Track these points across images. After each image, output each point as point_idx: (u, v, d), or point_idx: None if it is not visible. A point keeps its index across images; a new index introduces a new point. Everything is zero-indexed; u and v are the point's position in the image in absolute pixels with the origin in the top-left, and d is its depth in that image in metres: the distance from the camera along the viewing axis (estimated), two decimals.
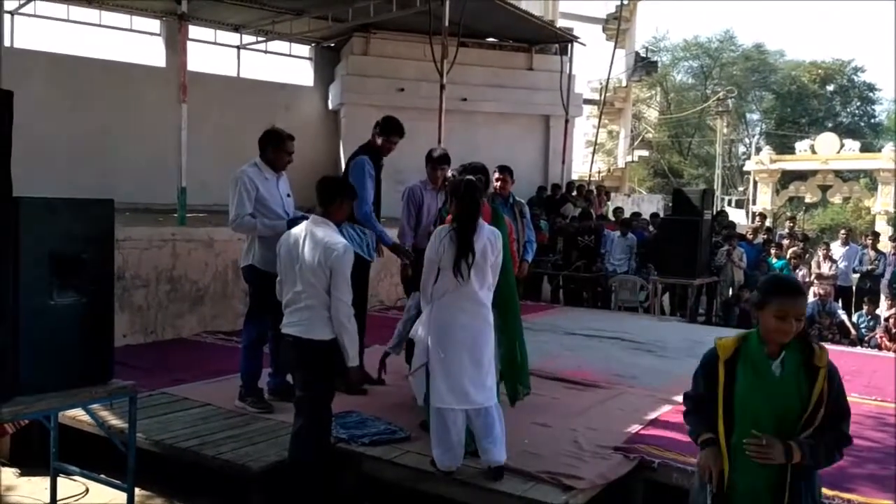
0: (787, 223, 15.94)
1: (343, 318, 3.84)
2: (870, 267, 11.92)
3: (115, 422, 4.51)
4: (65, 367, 3.58)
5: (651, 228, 12.76)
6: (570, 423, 5.05)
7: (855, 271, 12.17)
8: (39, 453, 4.65)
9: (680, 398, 5.71)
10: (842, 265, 12.01)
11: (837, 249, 12.44)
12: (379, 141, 5.60)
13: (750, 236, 12.49)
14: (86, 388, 3.68)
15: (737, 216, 22.62)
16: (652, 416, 5.32)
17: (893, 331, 10.28)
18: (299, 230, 3.99)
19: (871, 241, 12.42)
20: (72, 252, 3.52)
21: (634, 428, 4.98)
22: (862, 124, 41.43)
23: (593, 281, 12.03)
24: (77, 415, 4.46)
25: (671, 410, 5.50)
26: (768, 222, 16.21)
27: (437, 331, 4.04)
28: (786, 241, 12.78)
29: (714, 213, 13.15)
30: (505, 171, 6.17)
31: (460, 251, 3.95)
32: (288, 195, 5.21)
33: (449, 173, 5.54)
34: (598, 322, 9.48)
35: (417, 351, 4.20)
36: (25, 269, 3.38)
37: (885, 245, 13.47)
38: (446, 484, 4.05)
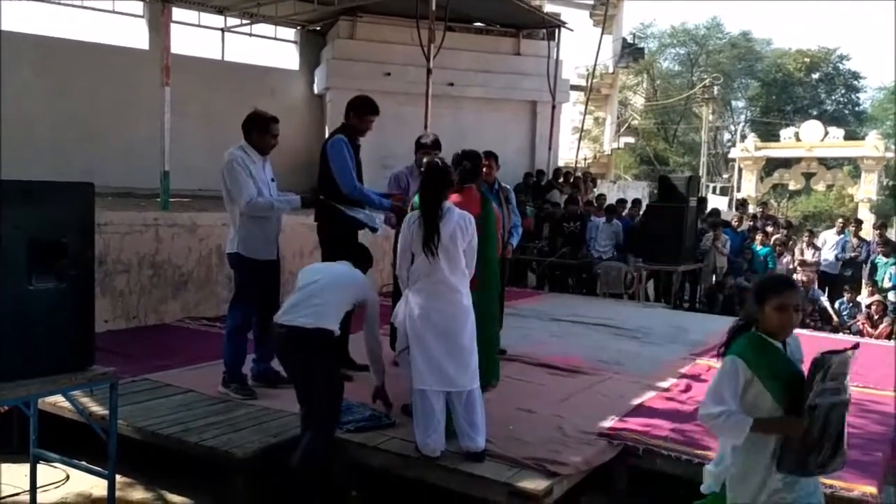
0: (758, 208, 15.98)
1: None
2: (852, 254, 12.01)
3: (95, 408, 4.47)
4: (44, 353, 3.52)
5: (632, 216, 12.77)
6: (555, 410, 5.06)
7: (837, 258, 12.24)
8: (19, 440, 4.60)
9: (665, 384, 5.83)
10: (831, 253, 12.07)
11: (831, 237, 12.50)
12: (355, 121, 5.53)
13: (735, 223, 12.54)
14: (66, 374, 3.62)
15: (720, 203, 22.72)
16: (636, 402, 5.34)
17: (875, 317, 10.38)
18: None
19: (853, 229, 12.50)
20: (51, 236, 3.45)
21: (619, 414, 4.99)
22: (846, 112, 41.60)
23: (579, 267, 12.05)
24: (57, 401, 4.41)
25: (655, 397, 5.54)
26: (752, 209, 16.22)
27: (412, 316, 4.10)
28: (770, 228, 12.84)
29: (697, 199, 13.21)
30: (490, 156, 6.15)
31: (427, 233, 4.02)
32: (272, 179, 5.16)
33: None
34: (584, 308, 9.50)
35: (399, 335, 4.26)
36: (3, 254, 3.31)
37: (867, 233, 13.58)
38: (432, 470, 4.05)
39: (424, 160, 4.46)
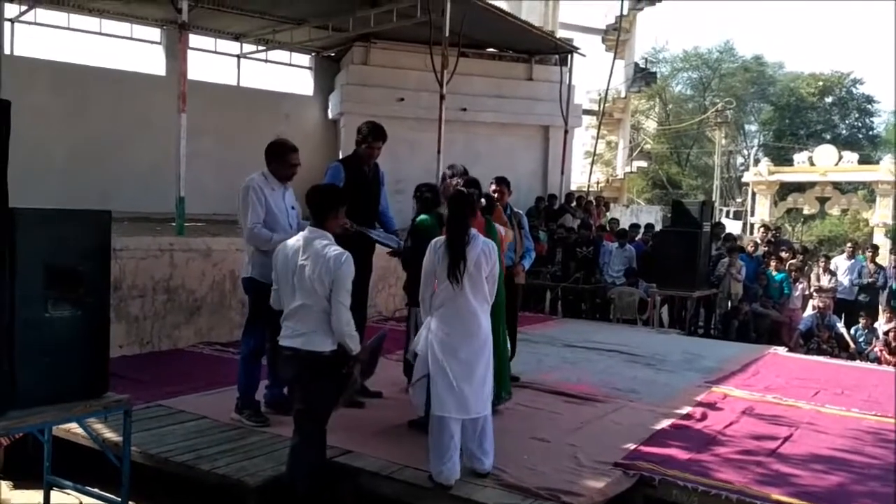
0: (760, 230, 15.79)
1: (343, 324, 3.84)
2: (870, 280, 11.90)
3: (109, 435, 4.47)
4: (60, 381, 3.54)
5: (645, 241, 12.72)
6: (569, 438, 5.01)
7: (853, 284, 12.13)
8: (33, 466, 4.61)
9: (681, 412, 5.77)
10: (845, 279, 11.96)
11: (842, 262, 12.40)
12: (362, 148, 5.56)
13: (751, 248, 12.48)
14: (81, 401, 3.65)
15: (734, 227, 22.61)
16: (652, 431, 5.29)
17: (893, 344, 10.26)
18: (295, 242, 3.97)
19: (870, 255, 12.40)
20: (68, 264, 3.49)
21: (634, 443, 4.94)
22: (860, 136, 41.43)
23: (592, 293, 12.00)
24: (71, 427, 4.41)
25: (671, 425, 5.48)
26: (768, 234, 16.09)
27: (434, 343, 4.12)
28: (784, 254, 12.75)
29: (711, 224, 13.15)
30: (502, 182, 6.19)
31: (452, 259, 4.07)
32: (293, 207, 5.19)
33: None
34: (597, 334, 9.45)
35: (418, 363, 4.25)
36: (21, 282, 3.35)
37: (883, 258, 13.46)
38: (445, 500, 4.01)
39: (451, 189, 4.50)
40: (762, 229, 14.32)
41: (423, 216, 5.31)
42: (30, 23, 12.45)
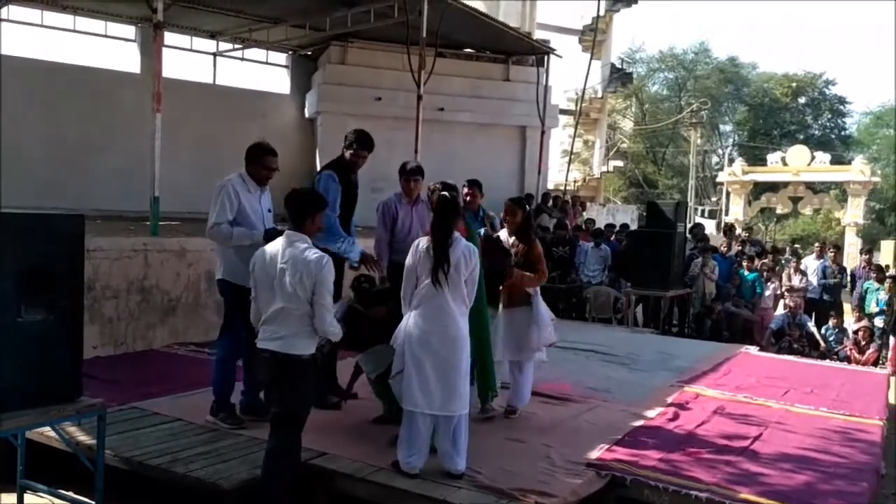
0: (744, 233, 15.97)
1: (327, 325, 3.90)
2: (833, 280, 12.10)
3: (83, 437, 4.45)
4: (33, 385, 3.53)
5: (620, 241, 12.85)
6: (543, 439, 5.07)
7: (820, 284, 12.30)
8: (5, 470, 4.57)
9: (653, 412, 5.85)
10: (814, 278, 12.16)
11: (811, 263, 12.59)
12: (347, 155, 5.56)
13: (724, 249, 12.63)
14: (54, 405, 3.64)
15: (709, 226, 22.87)
16: (624, 431, 5.35)
17: (862, 343, 10.45)
18: (274, 247, 3.97)
19: (832, 255, 12.58)
20: (40, 269, 3.47)
21: (607, 444, 5.00)
22: (833, 137, 42.02)
23: (568, 292, 12.08)
24: (44, 431, 4.36)
25: (643, 425, 5.55)
26: (741, 233, 16.31)
27: (411, 338, 4.24)
28: (752, 252, 12.90)
29: (689, 225, 13.32)
30: (474, 185, 6.24)
31: (436, 262, 4.18)
32: (269, 210, 5.18)
33: (424, 189, 5.61)
34: (573, 334, 9.51)
35: (396, 357, 4.35)
36: None
37: (853, 258, 13.67)
38: (418, 502, 4.05)
39: (435, 196, 4.54)
40: (727, 232, 14.51)
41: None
42: (2, 20, 12.29)
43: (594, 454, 4.75)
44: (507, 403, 5.65)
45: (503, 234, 5.74)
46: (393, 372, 4.39)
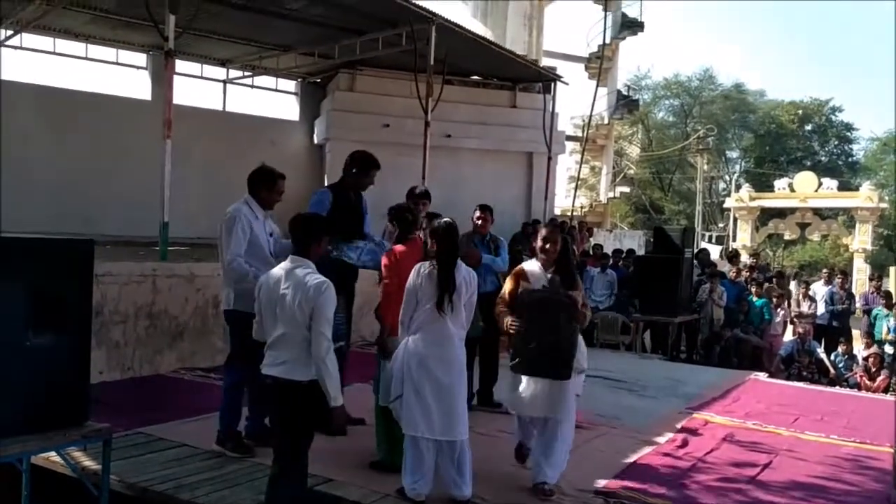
0: (751, 259, 15.91)
1: (322, 353, 3.75)
2: (841, 306, 12.04)
3: (88, 463, 4.43)
4: (39, 409, 3.53)
5: (627, 266, 12.83)
6: None
7: (828, 310, 12.24)
8: (10, 495, 4.55)
9: (661, 439, 5.79)
10: (822, 305, 12.09)
11: (820, 289, 12.53)
12: (349, 175, 5.59)
13: (732, 275, 12.60)
14: (60, 430, 3.63)
15: (715, 252, 22.80)
16: (633, 458, 5.32)
17: (872, 370, 10.36)
18: (278, 271, 3.98)
19: (839, 281, 12.52)
20: (49, 293, 3.48)
21: (616, 470, 4.96)
22: (840, 163, 42.06)
23: None
24: (50, 456, 4.36)
25: (652, 453, 5.51)
26: (748, 259, 16.25)
27: (410, 363, 4.22)
28: (759, 277, 12.86)
29: (695, 250, 13.30)
30: (486, 209, 6.28)
31: (442, 287, 4.17)
32: (271, 234, 5.19)
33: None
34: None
35: (394, 382, 4.32)
36: (2, 310, 3.34)
37: (862, 283, 13.60)
38: None
39: (435, 222, 4.48)
40: (731, 258, 14.48)
41: None
42: (15, 47, 12.46)
43: (602, 482, 4.71)
44: (535, 479, 4.47)
45: (533, 265, 4.66)
46: (392, 396, 4.36)
